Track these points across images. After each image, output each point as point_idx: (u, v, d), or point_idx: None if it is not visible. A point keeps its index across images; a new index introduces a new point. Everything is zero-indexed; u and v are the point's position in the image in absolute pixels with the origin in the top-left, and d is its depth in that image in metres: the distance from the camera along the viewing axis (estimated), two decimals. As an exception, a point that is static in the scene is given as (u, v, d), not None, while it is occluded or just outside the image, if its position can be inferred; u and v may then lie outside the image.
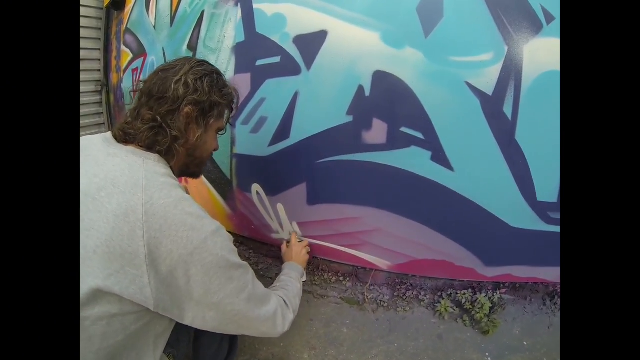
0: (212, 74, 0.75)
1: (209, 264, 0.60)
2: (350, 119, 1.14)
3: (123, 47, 2.17)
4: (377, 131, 1.13)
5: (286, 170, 1.30)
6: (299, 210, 1.34)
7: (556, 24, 1.01)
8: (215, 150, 0.83)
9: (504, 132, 1.08)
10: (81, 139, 0.70)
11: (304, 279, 1.16)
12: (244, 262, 0.69)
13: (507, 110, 1.07)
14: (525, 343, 1.29)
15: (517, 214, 1.18)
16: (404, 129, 1.11)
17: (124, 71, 2.16)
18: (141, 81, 0.72)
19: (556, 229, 1.19)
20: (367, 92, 1.11)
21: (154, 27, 1.74)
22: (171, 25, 1.57)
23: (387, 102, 1.11)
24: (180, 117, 0.69)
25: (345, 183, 1.24)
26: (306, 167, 1.26)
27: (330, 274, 1.48)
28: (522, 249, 1.27)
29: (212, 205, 1.59)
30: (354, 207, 1.26)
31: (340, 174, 1.23)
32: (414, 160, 1.14)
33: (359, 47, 1.09)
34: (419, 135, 1.11)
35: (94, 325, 0.56)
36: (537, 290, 1.44)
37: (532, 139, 1.09)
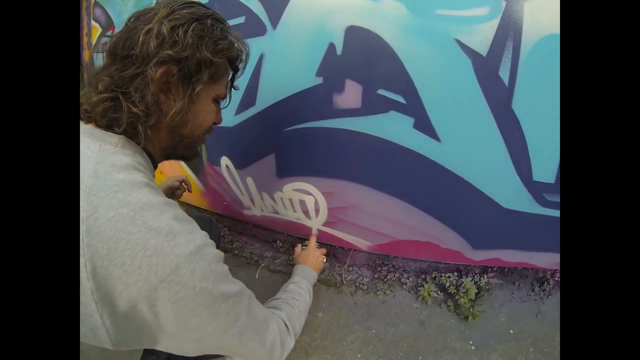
0: (205, 19, 0.53)
1: (182, 300, 0.44)
2: (320, 80, 1.02)
3: (93, 22, 2.05)
4: (351, 94, 1.01)
5: (253, 140, 1.20)
6: (269, 184, 1.25)
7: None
8: (216, 124, 0.64)
9: (499, 99, 0.95)
10: None
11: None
12: (237, 287, 0.52)
13: (504, 74, 0.93)
14: (511, 331, 1.21)
15: (510, 193, 1.07)
16: (381, 92, 0.99)
17: (95, 47, 2.05)
18: (107, 36, 0.55)
19: (552, 212, 1.08)
20: (339, 51, 0.98)
21: (121, -4, 1.60)
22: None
23: (362, 61, 0.98)
24: (149, 82, 0.50)
25: (316, 153, 1.13)
26: (274, 136, 1.15)
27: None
28: (513, 232, 1.16)
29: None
30: (326, 180, 1.16)
31: (310, 143, 1.12)
32: (393, 128, 1.02)
33: (331, -1, 0.96)
34: (399, 98, 0.98)
35: None
36: (526, 275, 1.34)
37: (531, 109, 0.96)
